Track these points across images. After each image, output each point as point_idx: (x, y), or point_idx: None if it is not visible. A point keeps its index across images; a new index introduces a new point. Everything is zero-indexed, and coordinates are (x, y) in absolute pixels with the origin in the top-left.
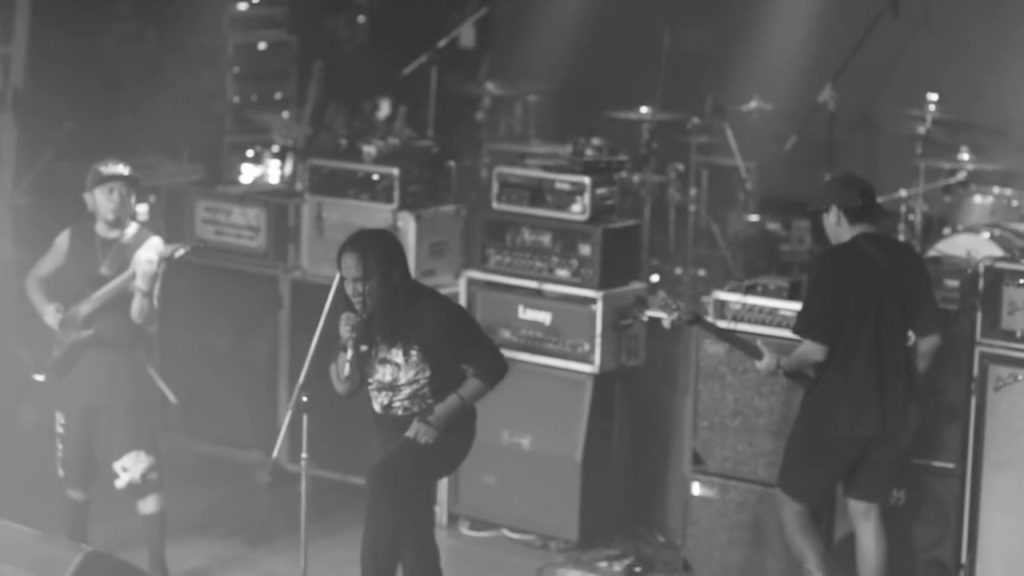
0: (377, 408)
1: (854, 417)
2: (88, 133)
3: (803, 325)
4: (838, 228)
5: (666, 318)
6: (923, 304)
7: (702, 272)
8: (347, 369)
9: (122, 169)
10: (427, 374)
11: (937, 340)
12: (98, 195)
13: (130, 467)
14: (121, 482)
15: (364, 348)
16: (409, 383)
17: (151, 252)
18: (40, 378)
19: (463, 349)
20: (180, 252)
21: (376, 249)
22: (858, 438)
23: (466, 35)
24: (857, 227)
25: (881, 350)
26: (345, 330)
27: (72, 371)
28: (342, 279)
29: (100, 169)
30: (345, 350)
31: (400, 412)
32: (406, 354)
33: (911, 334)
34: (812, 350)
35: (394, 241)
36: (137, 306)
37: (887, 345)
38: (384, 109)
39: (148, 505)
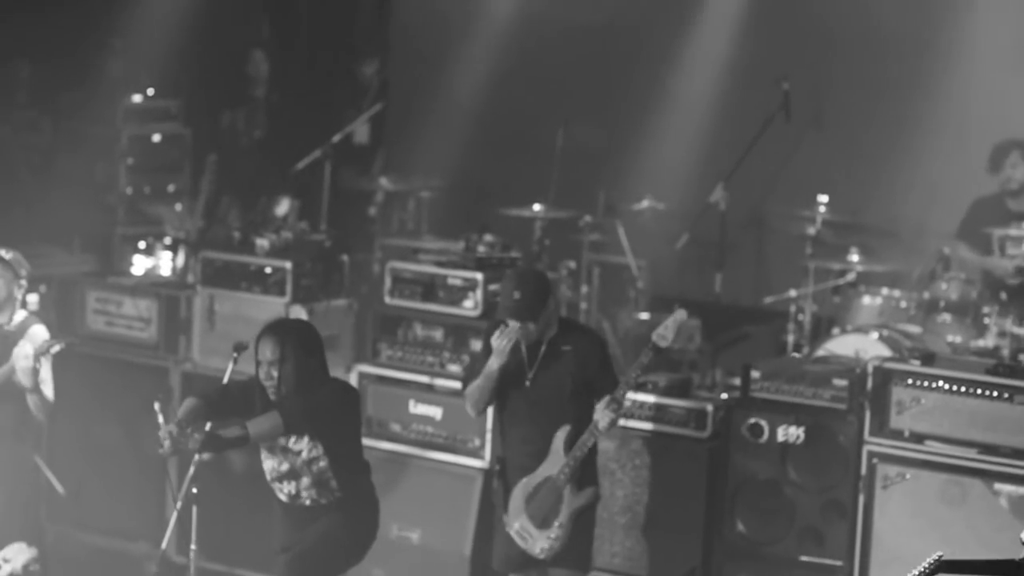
0: (283, 498)
1: None
2: None
3: None
4: None
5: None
6: None
7: None
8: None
9: (4, 254)
10: (322, 452)
11: None
12: None
13: (11, 558)
14: (2, 573)
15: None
16: (308, 463)
17: (27, 348)
18: None
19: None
20: (56, 348)
21: (294, 336)
22: None
23: (360, 131)
24: None
25: None
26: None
27: None
28: (256, 364)
29: None
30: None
31: (308, 503)
32: (311, 439)
33: None
34: None
35: (313, 332)
36: (30, 401)
37: None
38: (283, 206)
39: None
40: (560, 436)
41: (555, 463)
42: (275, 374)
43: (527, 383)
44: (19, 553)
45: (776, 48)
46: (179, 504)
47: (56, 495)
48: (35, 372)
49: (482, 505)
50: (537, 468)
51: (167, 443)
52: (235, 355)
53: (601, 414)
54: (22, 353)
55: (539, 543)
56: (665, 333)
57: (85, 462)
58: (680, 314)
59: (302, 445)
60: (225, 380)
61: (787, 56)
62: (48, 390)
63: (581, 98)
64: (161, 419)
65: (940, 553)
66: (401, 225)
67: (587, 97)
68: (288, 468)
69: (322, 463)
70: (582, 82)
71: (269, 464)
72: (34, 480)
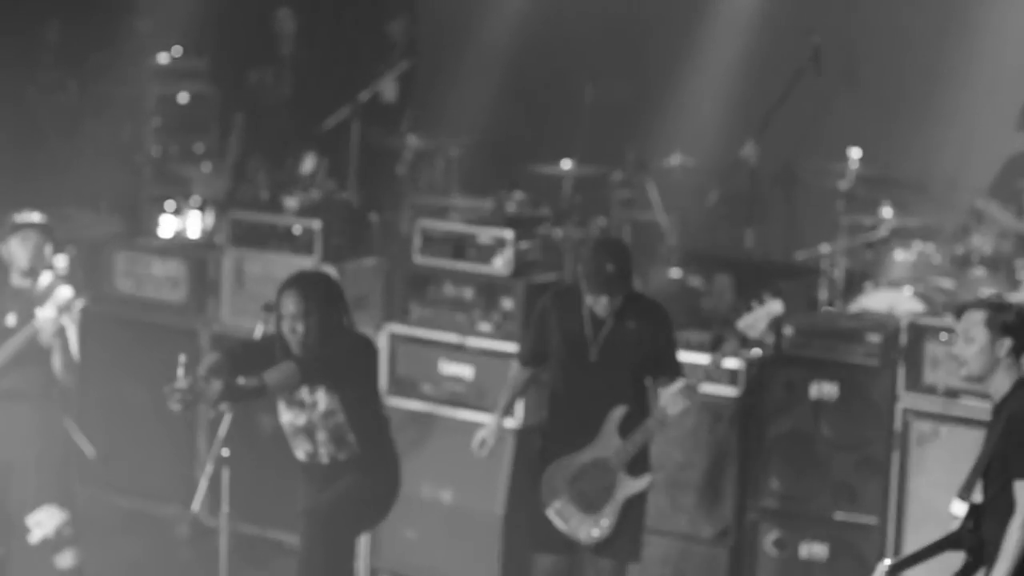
0: (302, 456)
1: None
2: (6, 184)
3: None
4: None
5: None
6: None
7: None
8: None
9: (36, 217)
10: (338, 405)
11: None
12: (12, 244)
13: (43, 522)
14: (34, 537)
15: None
16: (324, 417)
17: (51, 307)
18: None
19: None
20: (78, 305)
21: (318, 289)
22: None
23: (388, 89)
24: None
25: None
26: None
27: None
28: (279, 319)
29: (14, 218)
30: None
31: (326, 460)
32: (312, 391)
33: None
34: None
35: (335, 284)
36: (56, 361)
37: None
38: (308, 164)
39: (64, 560)
40: (615, 416)
41: (607, 444)
42: (299, 328)
43: (591, 358)
44: (51, 516)
45: (806, 1)
46: (210, 466)
47: (86, 458)
48: (60, 331)
49: (514, 464)
50: (585, 447)
51: (176, 396)
52: (265, 315)
53: (672, 400)
54: (45, 315)
55: (585, 528)
56: (755, 324)
57: (115, 425)
58: (774, 306)
59: (319, 397)
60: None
61: (817, 9)
62: (74, 350)
63: (610, 53)
64: (180, 372)
65: (887, 561)
66: (430, 183)
67: (616, 52)
68: (305, 421)
69: (339, 417)
70: (611, 37)
71: (287, 418)
72: (64, 443)
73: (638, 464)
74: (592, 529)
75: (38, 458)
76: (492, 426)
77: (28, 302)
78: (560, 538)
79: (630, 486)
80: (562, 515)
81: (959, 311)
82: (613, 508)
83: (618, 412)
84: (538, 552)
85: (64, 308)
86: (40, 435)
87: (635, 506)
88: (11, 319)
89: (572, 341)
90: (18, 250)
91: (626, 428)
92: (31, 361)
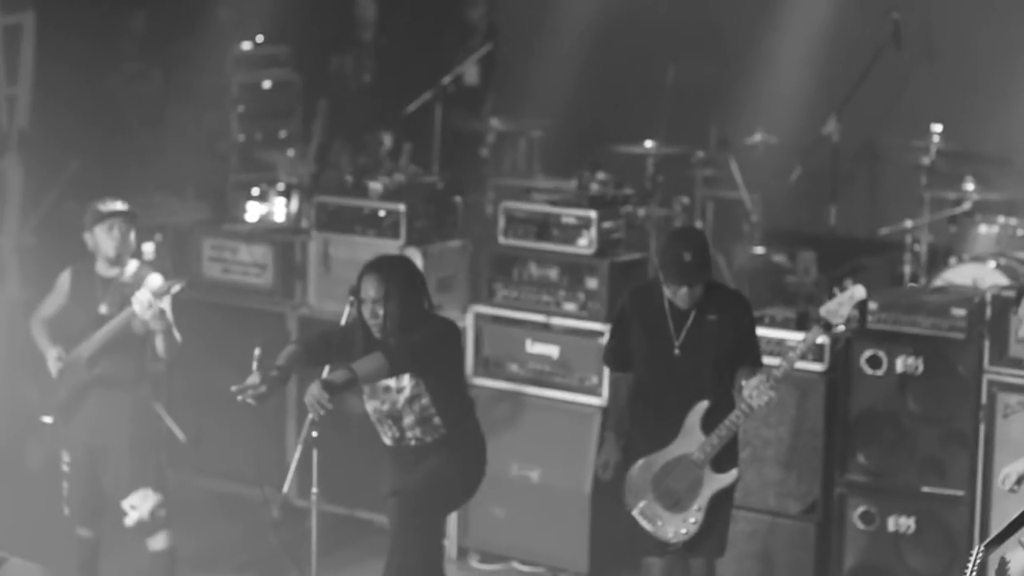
0: (388, 441)
1: None
2: (93, 173)
3: None
4: None
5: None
6: None
7: None
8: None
9: (120, 205)
10: (423, 389)
11: None
12: (98, 233)
13: (138, 505)
14: (130, 520)
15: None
16: (409, 402)
17: (146, 293)
18: (48, 419)
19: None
20: (176, 288)
21: (398, 272)
22: None
23: (470, 72)
24: None
25: None
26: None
27: (77, 412)
28: (359, 303)
29: (99, 207)
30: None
31: (413, 443)
32: (412, 376)
33: None
34: None
35: (415, 268)
36: (160, 345)
37: None
38: (387, 143)
39: (157, 542)
40: (698, 412)
41: (690, 441)
42: (380, 312)
43: (675, 352)
44: (145, 499)
45: None
46: (299, 448)
47: (176, 442)
48: (162, 313)
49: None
50: (668, 445)
51: (248, 392)
52: (351, 299)
53: (756, 391)
54: (144, 300)
55: (673, 527)
56: (838, 310)
57: (204, 409)
58: (857, 291)
59: (404, 383)
60: (342, 324)
61: None
62: (175, 330)
63: (692, 33)
64: (255, 366)
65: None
66: (513, 165)
67: (698, 31)
68: (390, 407)
69: (424, 400)
70: (692, 16)
71: (372, 405)
72: (156, 428)
73: (724, 459)
74: (680, 528)
75: (132, 442)
76: (610, 446)
77: (118, 291)
78: (652, 540)
79: (717, 481)
80: (647, 516)
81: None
82: (700, 505)
83: (701, 406)
84: (647, 557)
85: (161, 293)
86: (134, 420)
87: (723, 502)
88: (103, 308)
89: (654, 337)
90: (104, 239)
91: (710, 422)
92: (124, 348)
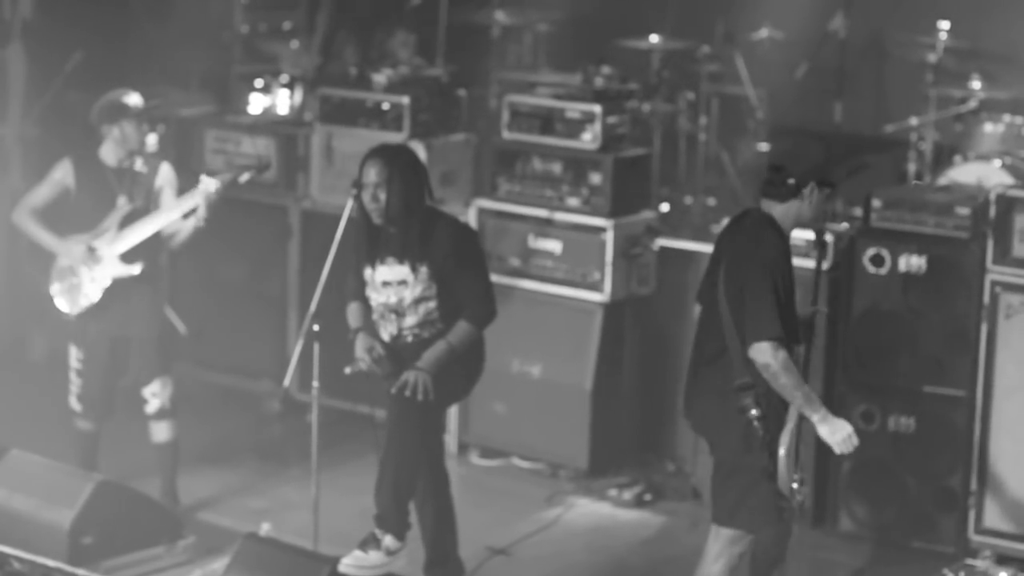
0: (386, 337)
1: None
2: (97, 62)
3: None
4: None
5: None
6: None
7: (712, 201)
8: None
9: (148, 102)
10: (434, 293)
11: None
12: (127, 127)
13: (159, 392)
14: (151, 407)
15: (368, 269)
16: (416, 302)
17: (210, 184)
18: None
19: (463, 279)
20: (245, 177)
21: (400, 159)
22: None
23: None
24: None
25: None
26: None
27: (99, 305)
28: (360, 190)
29: (126, 102)
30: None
31: (410, 339)
32: (414, 270)
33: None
34: None
35: (417, 157)
36: (185, 236)
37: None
38: (399, 38)
39: (162, 433)
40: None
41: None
42: (381, 196)
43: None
44: (164, 387)
45: None
46: (301, 342)
47: (179, 335)
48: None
49: (602, 339)
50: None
51: (365, 360)
52: (354, 192)
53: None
54: (210, 188)
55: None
56: None
57: (206, 302)
58: None
59: (419, 280)
60: (344, 217)
61: None
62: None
63: None
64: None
65: None
66: (517, 59)
67: None
68: (396, 302)
69: (431, 304)
70: None
71: (380, 298)
72: (165, 318)
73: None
74: (801, 487)
75: (157, 333)
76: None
77: (135, 180)
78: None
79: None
80: (801, 485)
81: None
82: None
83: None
84: (765, 528)
85: (228, 182)
86: (157, 311)
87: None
88: (123, 199)
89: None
90: (132, 133)
91: None
92: (152, 240)
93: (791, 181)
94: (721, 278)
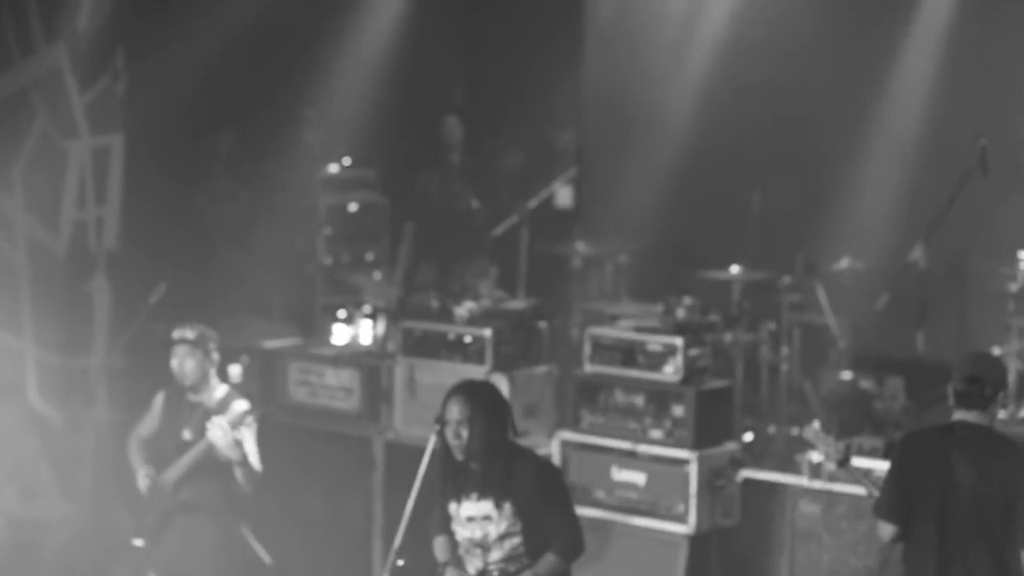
0: (472, 572)
1: None
2: (182, 294)
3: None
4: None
5: (819, 452)
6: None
7: (795, 431)
8: None
9: (188, 333)
10: (519, 529)
11: None
12: (172, 362)
13: None
14: None
15: (452, 504)
16: (501, 538)
17: (221, 422)
18: (138, 543)
19: (549, 515)
20: (249, 420)
21: (483, 396)
22: None
23: (563, 194)
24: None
25: (946, 548)
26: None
27: (163, 536)
28: (443, 427)
29: (169, 334)
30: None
31: (496, 574)
32: (498, 507)
33: None
34: (880, 527)
35: (500, 394)
36: (238, 473)
37: (953, 545)
38: (478, 269)
39: None
40: None
41: None
42: (464, 433)
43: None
44: None
45: (972, 103)
46: (385, 575)
47: (264, 566)
48: (237, 444)
49: (688, 571)
50: None
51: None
52: (438, 426)
53: None
54: (216, 428)
55: None
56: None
57: (290, 532)
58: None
59: (504, 517)
60: (427, 452)
61: (984, 110)
62: (254, 460)
63: (776, 157)
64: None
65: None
66: (599, 289)
67: (782, 156)
68: (482, 537)
69: (516, 540)
70: (776, 141)
71: (464, 533)
72: (243, 553)
73: None
74: None
75: (217, 568)
76: None
77: (202, 415)
78: None
79: None
80: None
81: None
82: None
83: None
84: None
85: (236, 422)
86: (219, 547)
87: None
88: (187, 433)
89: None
90: (177, 367)
91: None
92: (208, 473)
93: (987, 391)
94: (969, 488)
